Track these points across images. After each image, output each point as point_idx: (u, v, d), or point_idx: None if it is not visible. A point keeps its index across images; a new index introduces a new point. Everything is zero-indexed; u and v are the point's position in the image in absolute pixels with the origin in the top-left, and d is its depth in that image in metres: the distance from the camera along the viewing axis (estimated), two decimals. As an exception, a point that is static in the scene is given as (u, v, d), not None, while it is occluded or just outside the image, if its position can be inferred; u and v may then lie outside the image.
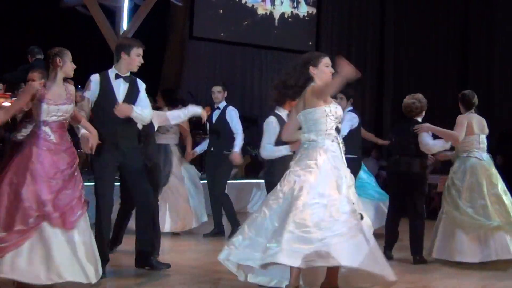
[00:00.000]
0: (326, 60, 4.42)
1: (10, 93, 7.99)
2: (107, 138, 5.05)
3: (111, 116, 5.04)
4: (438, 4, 17.10)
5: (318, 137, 4.25)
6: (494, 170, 6.29)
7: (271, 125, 5.47)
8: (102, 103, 5.12)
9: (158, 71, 13.48)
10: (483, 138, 6.32)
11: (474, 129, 6.25)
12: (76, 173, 4.70)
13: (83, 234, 4.55)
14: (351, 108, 7.20)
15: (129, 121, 5.18)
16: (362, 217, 4.12)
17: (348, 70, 4.10)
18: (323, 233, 3.99)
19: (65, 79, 4.86)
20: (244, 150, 13.57)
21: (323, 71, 4.38)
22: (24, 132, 5.55)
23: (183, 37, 14.92)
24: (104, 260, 4.98)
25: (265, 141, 5.44)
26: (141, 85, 5.32)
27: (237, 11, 15.88)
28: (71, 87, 4.84)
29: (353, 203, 4.14)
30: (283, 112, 5.52)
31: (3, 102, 7.74)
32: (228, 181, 10.02)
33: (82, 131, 4.97)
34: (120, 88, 5.17)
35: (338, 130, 4.31)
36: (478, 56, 16.85)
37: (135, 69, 5.24)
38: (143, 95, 5.27)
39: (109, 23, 11.79)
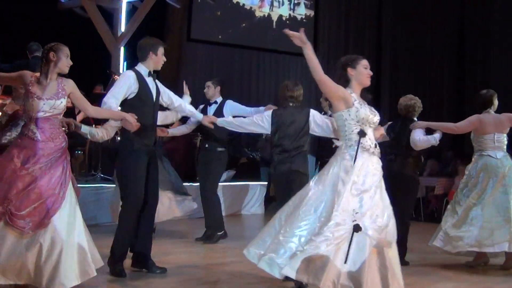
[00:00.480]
0: (364, 62, 4.33)
1: (7, 96, 7.99)
2: (143, 135, 5.13)
3: (148, 113, 5.23)
4: (435, 8, 17.15)
5: (340, 142, 4.23)
6: (507, 169, 6.15)
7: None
8: (139, 100, 5.22)
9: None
10: (499, 137, 6.22)
11: (486, 128, 6.19)
12: (59, 174, 4.44)
13: (50, 236, 4.29)
14: None
15: (156, 119, 5.40)
16: (357, 230, 3.90)
17: (296, 36, 4.20)
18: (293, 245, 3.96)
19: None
20: (241, 151, 13.63)
21: (361, 72, 4.28)
22: (9, 135, 5.50)
23: (181, 39, 14.93)
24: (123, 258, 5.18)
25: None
26: (159, 82, 5.52)
27: (235, 13, 15.89)
28: (67, 82, 4.60)
29: (356, 213, 3.94)
30: None
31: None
32: (226, 183, 10.09)
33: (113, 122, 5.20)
34: (152, 86, 5.35)
35: (361, 133, 4.13)
36: (474, 58, 16.90)
37: (159, 68, 5.47)
38: (172, 93, 5.62)
39: (107, 25, 11.81)
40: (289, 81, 5.79)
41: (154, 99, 5.34)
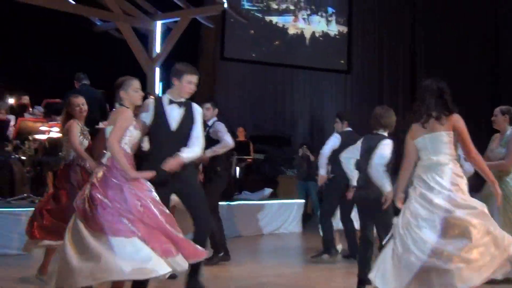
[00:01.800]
0: None
1: (48, 118, 8.13)
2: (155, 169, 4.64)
3: (166, 142, 4.85)
4: (469, 23, 17.02)
5: None
6: None
7: None
8: (156, 128, 4.90)
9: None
10: None
11: None
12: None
13: None
14: (349, 129, 7.15)
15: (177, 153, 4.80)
16: None
17: None
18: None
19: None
20: (279, 170, 13.53)
21: None
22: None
23: (215, 58, 15.04)
24: None
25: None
26: (197, 111, 5.05)
27: (268, 31, 15.95)
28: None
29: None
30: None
31: (40, 127, 7.87)
32: (263, 202, 10.03)
33: None
34: (174, 113, 4.93)
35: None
36: (509, 70, 16.71)
37: (185, 96, 4.97)
38: (198, 124, 5.00)
39: (142, 46, 11.96)
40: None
41: (175, 129, 4.89)
